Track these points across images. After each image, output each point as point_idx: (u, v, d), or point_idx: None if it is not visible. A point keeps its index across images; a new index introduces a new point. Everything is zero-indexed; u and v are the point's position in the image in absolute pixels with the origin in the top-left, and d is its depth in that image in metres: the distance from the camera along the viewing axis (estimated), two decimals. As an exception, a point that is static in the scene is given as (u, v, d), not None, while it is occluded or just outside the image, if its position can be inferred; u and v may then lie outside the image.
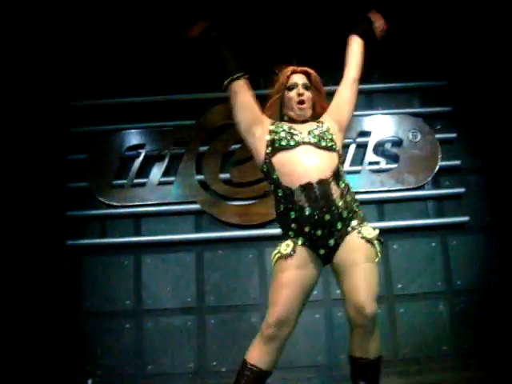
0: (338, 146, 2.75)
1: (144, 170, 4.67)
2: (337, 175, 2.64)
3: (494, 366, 4.23)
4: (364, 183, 4.65)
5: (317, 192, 2.56)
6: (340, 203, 2.58)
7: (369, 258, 2.56)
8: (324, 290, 4.45)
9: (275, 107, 2.85)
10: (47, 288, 4.47)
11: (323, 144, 2.65)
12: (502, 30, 4.82)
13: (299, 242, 2.59)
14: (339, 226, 2.58)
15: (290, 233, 2.63)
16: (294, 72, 2.86)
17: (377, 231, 2.62)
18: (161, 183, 4.65)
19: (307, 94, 2.80)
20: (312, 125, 2.76)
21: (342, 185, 2.65)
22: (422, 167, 4.69)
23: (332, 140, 2.69)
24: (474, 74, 4.93)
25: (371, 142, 4.70)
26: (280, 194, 2.64)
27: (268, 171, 2.69)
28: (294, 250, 2.57)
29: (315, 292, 4.29)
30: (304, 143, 2.64)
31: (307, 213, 2.56)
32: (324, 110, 2.87)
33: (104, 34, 4.88)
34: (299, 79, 2.83)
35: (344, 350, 4.23)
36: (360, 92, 4.80)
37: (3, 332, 4.24)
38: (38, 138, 4.71)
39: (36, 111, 4.76)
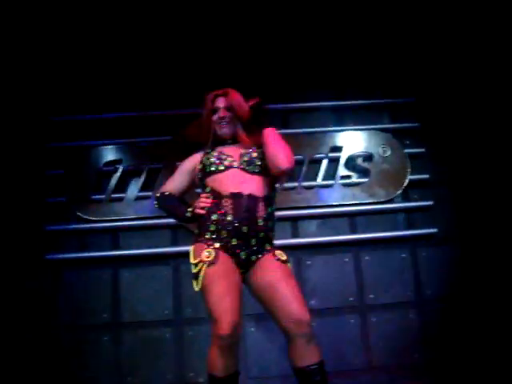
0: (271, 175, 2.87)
1: (122, 185, 4.71)
2: (266, 199, 2.81)
3: (462, 372, 4.36)
4: (336, 197, 4.77)
5: (244, 203, 2.73)
6: (261, 223, 2.75)
7: (289, 274, 2.75)
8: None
9: (208, 132, 3.03)
10: (25, 302, 4.48)
11: (251, 170, 2.82)
12: (467, 50, 5.01)
13: (217, 245, 2.71)
14: (253, 242, 2.75)
15: (207, 234, 2.76)
16: (216, 96, 3.02)
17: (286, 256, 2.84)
18: (138, 198, 4.69)
19: (228, 115, 2.96)
20: (244, 149, 2.92)
21: (269, 210, 2.82)
22: (392, 181, 4.82)
23: (261, 166, 2.84)
24: (441, 91, 5.10)
25: (343, 156, 4.82)
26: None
27: (202, 188, 2.93)
28: (216, 257, 2.66)
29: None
30: (233, 167, 2.83)
31: (229, 218, 2.71)
32: (249, 127, 2.97)
33: (82, 50, 4.94)
34: (221, 103, 2.99)
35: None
36: (332, 108, 5.05)
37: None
38: (16, 153, 4.75)
39: (14, 126, 4.79)
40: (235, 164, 2.85)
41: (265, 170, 2.85)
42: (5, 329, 4.41)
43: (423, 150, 4.96)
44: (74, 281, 4.59)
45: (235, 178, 2.81)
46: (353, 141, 4.90)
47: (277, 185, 2.99)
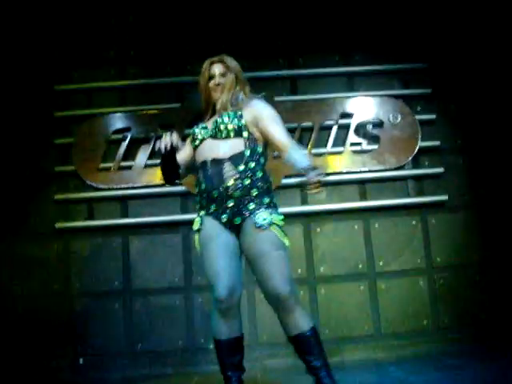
0: (247, 134, 2.84)
1: (130, 153, 4.70)
2: (237, 158, 2.77)
3: (471, 339, 4.39)
4: (346, 164, 4.73)
5: (209, 170, 2.78)
6: (230, 183, 2.72)
7: (274, 245, 2.68)
8: (308, 267, 4.60)
9: (207, 100, 3.03)
10: (36, 270, 4.54)
11: (218, 135, 2.83)
12: (481, 14, 4.92)
13: (201, 213, 2.83)
14: (230, 203, 2.74)
15: (197, 206, 2.90)
16: (212, 63, 3.01)
17: (272, 216, 2.71)
18: (147, 166, 4.68)
19: (223, 80, 2.95)
20: (221, 116, 2.87)
21: (242, 168, 2.76)
22: (403, 148, 4.76)
23: (229, 130, 2.81)
24: (453, 57, 5.01)
25: (353, 123, 4.76)
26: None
27: None
28: (201, 223, 2.81)
29: (299, 270, 4.48)
30: (204, 139, 2.88)
31: (202, 187, 2.81)
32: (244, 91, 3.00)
33: (87, 17, 4.91)
34: (216, 69, 2.98)
35: (329, 325, 4.43)
36: (342, 74, 5.01)
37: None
38: (23, 123, 4.75)
39: (20, 96, 4.78)
40: (205, 135, 2.88)
41: (234, 131, 2.82)
42: (16, 296, 4.48)
43: (434, 116, 4.88)
44: (84, 249, 4.62)
45: (206, 148, 2.85)
46: (363, 107, 4.83)
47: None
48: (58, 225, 4.61)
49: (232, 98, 2.94)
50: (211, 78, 2.97)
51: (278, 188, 4.60)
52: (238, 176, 2.74)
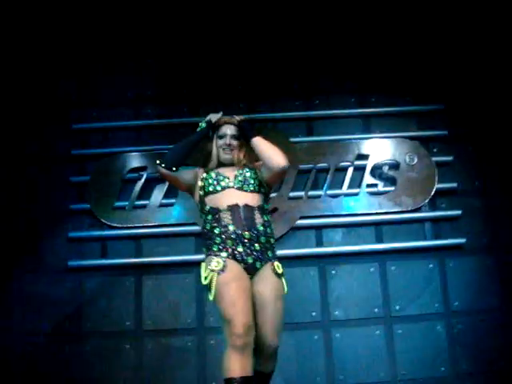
0: (264, 190, 3.11)
1: (145, 193, 4.71)
2: (261, 209, 3.04)
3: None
4: (362, 205, 4.70)
5: (241, 213, 2.94)
6: (261, 228, 2.96)
7: (279, 294, 2.95)
8: (323, 311, 4.52)
9: (211, 153, 3.20)
10: (48, 308, 4.50)
11: (245, 188, 3.03)
12: (497, 55, 4.92)
13: (223, 255, 2.87)
14: (257, 247, 2.93)
15: (215, 247, 2.92)
16: (225, 122, 3.19)
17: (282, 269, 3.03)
18: (162, 205, 4.69)
19: (234, 143, 3.15)
20: (239, 170, 3.11)
21: (266, 218, 3.03)
22: (419, 190, 4.73)
23: (255, 184, 3.06)
24: (470, 98, 5.01)
25: (369, 164, 4.75)
26: (209, 218, 3.01)
27: (201, 206, 3.10)
28: (225, 265, 2.83)
29: (314, 313, 4.41)
30: (229, 187, 3.02)
31: (231, 229, 2.91)
32: (251, 155, 3.18)
33: (105, 58, 4.99)
34: (228, 130, 3.15)
35: (344, 370, 4.33)
36: (358, 116, 4.98)
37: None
38: (41, 161, 4.80)
39: (39, 134, 4.85)
40: (231, 184, 3.01)
41: (258, 187, 3.07)
42: (28, 334, 4.43)
43: (451, 158, 4.85)
44: (96, 288, 4.59)
45: (232, 195, 2.99)
46: (379, 149, 4.83)
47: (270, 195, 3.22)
48: (71, 263, 4.59)
49: (243, 156, 3.17)
50: (221, 136, 3.16)
51: (293, 229, 4.59)
52: (265, 224, 2.98)
